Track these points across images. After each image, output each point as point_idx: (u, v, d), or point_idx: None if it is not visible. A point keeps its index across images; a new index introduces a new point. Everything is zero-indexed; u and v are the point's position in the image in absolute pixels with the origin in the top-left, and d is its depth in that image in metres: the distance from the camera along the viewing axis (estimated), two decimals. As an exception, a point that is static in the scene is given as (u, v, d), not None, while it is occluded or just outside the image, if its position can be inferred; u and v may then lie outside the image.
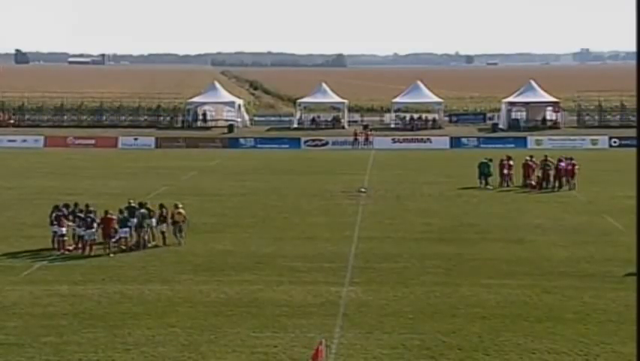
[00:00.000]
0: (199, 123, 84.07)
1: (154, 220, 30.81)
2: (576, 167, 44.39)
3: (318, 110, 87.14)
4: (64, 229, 29.75)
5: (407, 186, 46.25)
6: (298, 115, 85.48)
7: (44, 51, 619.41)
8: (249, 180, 49.29)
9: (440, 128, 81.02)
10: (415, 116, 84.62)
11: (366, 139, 71.07)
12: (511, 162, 45.96)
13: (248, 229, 33.76)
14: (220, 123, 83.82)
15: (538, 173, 44.86)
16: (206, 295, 23.96)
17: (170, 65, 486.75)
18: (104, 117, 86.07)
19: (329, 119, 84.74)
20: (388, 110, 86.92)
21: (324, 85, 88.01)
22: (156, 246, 30.36)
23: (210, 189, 45.56)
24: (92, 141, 71.89)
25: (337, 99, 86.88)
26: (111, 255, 29.12)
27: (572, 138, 71.29)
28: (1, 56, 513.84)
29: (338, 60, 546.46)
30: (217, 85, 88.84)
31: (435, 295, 23.83)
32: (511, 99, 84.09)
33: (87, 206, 30.77)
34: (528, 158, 45.90)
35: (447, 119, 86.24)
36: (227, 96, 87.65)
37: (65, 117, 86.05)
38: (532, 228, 33.91)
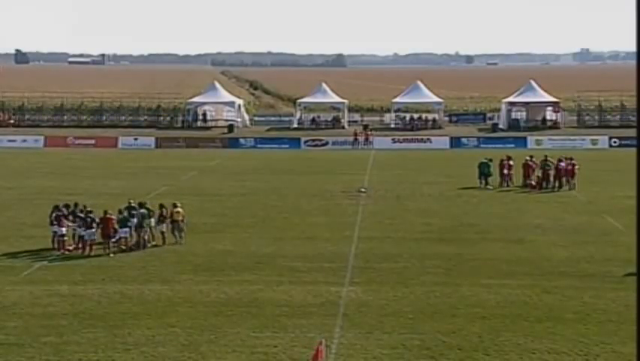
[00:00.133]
0: (199, 123, 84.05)
1: (153, 220, 30.84)
2: (576, 167, 44.38)
3: (318, 110, 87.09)
4: (64, 229, 29.76)
5: (407, 186, 46.25)
6: (298, 115, 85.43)
7: (44, 51, 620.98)
8: (249, 180, 49.29)
9: (440, 128, 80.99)
10: (415, 116, 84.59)
11: (366, 139, 71.05)
12: (511, 162, 45.95)
13: (248, 229, 33.75)
14: (220, 123, 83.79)
15: (538, 173, 44.85)
16: (206, 295, 23.95)
17: (170, 65, 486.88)
18: (104, 117, 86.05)
19: (329, 119, 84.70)
20: (388, 110, 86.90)
21: (324, 85, 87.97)
22: (156, 246, 30.37)
23: (210, 189, 45.55)
24: (92, 141, 71.89)
25: (337, 99, 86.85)
26: (111, 255, 29.14)
27: (572, 138, 71.29)
28: (1, 56, 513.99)
29: (338, 60, 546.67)
30: (217, 85, 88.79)
31: (435, 295, 23.82)
32: (511, 99, 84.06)
33: (85, 207, 30.83)
34: (528, 158, 45.89)
35: (447, 119, 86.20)
36: (227, 96, 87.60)
37: (65, 117, 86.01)
38: (532, 228, 33.90)
